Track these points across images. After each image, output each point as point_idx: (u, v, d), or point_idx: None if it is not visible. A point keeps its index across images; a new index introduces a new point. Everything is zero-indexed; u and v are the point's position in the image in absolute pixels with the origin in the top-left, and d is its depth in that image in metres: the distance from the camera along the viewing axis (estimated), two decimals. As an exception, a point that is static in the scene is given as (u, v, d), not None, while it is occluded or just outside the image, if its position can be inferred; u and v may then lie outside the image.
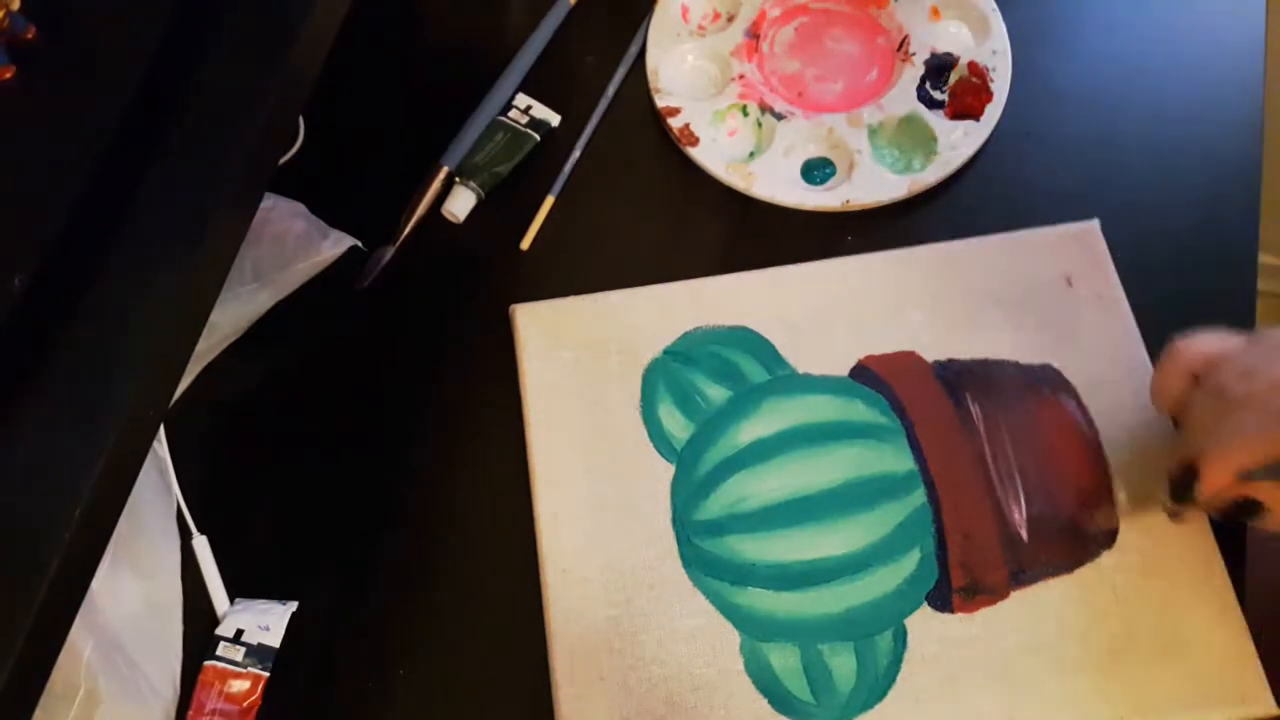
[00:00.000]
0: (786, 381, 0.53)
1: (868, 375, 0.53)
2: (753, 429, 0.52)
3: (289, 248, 0.57)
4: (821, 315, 0.55)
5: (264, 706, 0.49)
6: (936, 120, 0.60)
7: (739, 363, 0.54)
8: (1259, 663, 0.47)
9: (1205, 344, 0.46)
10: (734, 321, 0.55)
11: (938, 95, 0.61)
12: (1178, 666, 0.47)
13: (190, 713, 0.49)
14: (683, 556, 0.50)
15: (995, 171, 0.59)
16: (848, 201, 0.58)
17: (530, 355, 0.54)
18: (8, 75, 0.41)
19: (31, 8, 0.42)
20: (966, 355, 0.53)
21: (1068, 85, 0.62)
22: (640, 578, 0.50)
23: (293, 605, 0.51)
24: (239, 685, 0.49)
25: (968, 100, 0.60)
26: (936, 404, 0.52)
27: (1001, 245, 0.56)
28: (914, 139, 0.60)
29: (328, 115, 0.60)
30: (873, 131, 0.60)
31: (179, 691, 0.49)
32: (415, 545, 0.53)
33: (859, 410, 0.52)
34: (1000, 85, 0.61)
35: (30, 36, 0.42)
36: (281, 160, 0.59)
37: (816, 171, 0.60)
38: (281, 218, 0.57)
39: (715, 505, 0.51)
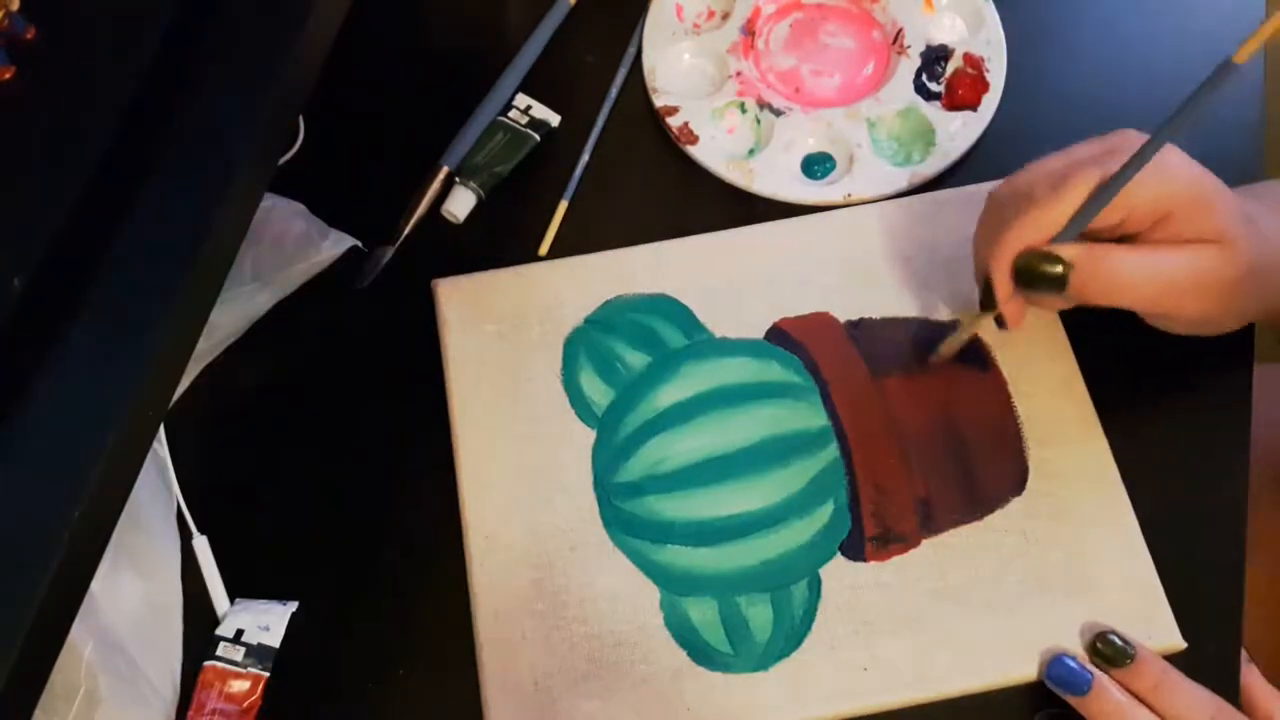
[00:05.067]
0: (704, 346, 0.55)
1: (782, 337, 0.55)
2: (671, 393, 0.54)
3: (289, 248, 0.57)
4: (737, 281, 0.56)
5: (264, 706, 0.49)
6: (934, 112, 0.60)
7: (658, 329, 0.55)
8: (1165, 599, 0.48)
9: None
10: (653, 290, 0.56)
11: (934, 87, 0.61)
12: (1087, 606, 0.48)
13: (190, 713, 0.49)
14: (604, 518, 0.51)
15: (994, 163, 0.59)
16: (849, 195, 0.58)
17: (452, 329, 0.55)
18: (8, 75, 0.41)
19: (31, 8, 0.42)
20: (878, 314, 0.55)
21: (1066, 82, 0.62)
22: (562, 540, 0.51)
23: (293, 605, 0.51)
24: (239, 685, 0.49)
25: (964, 91, 0.60)
26: (848, 362, 0.53)
27: (910, 207, 0.58)
28: (913, 131, 0.60)
29: (328, 115, 0.60)
30: (871, 125, 0.60)
31: (179, 691, 0.49)
32: (416, 545, 0.52)
33: (774, 371, 0.54)
34: (996, 76, 0.61)
35: (30, 36, 0.42)
36: (281, 160, 0.59)
37: (817, 166, 0.60)
38: (281, 218, 0.57)
39: (635, 467, 0.52)
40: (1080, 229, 0.46)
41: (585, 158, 0.61)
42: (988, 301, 0.49)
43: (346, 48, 0.49)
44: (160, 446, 0.53)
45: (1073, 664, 0.47)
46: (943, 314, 0.55)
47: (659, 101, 0.62)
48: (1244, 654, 0.49)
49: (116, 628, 0.47)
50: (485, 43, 0.65)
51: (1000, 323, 0.50)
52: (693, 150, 0.60)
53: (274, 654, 0.50)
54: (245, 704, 0.49)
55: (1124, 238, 0.48)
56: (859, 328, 0.55)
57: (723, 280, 0.56)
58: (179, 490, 0.53)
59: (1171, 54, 0.62)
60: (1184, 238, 0.46)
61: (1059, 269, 0.46)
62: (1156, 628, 0.48)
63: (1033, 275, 0.47)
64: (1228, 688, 0.47)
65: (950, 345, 0.52)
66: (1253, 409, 0.53)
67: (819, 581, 0.50)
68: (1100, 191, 0.45)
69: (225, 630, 0.50)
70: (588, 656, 0.49)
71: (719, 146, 0.60)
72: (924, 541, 0.50)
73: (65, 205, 0.39)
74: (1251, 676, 0.49)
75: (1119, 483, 0.51)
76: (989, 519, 0.50)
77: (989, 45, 0.62)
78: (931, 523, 0.50)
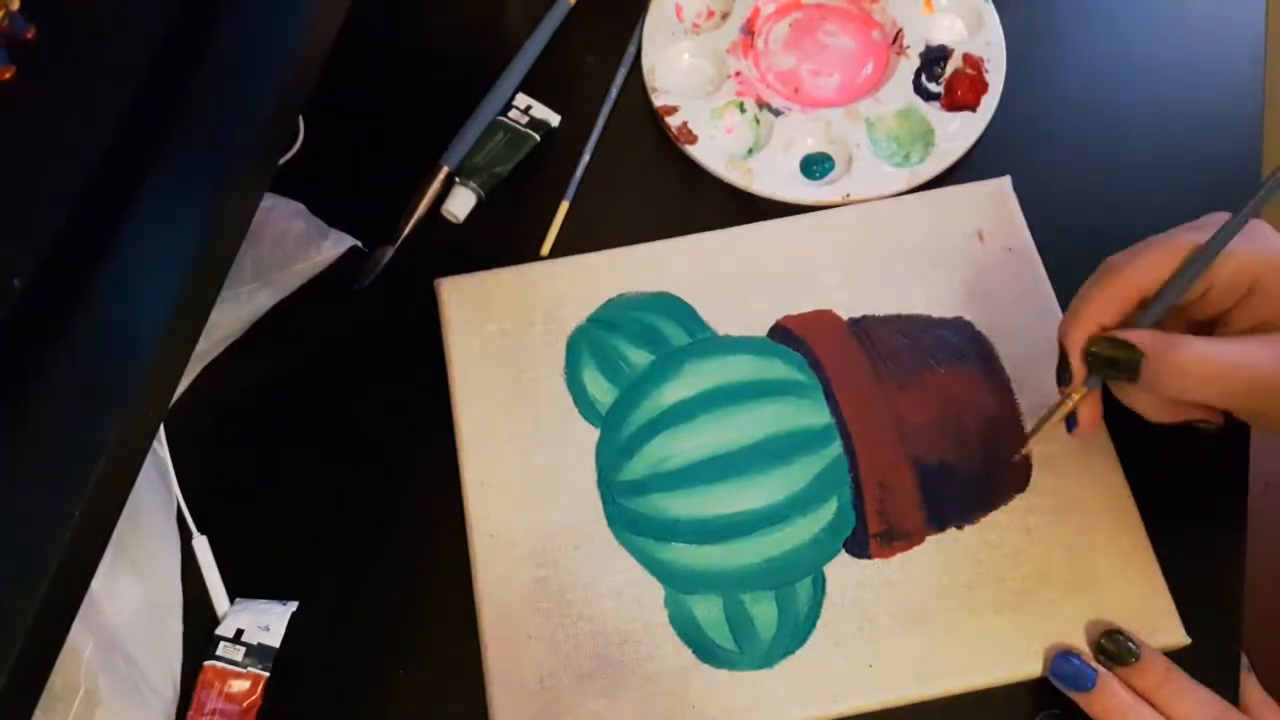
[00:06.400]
0: (707, 344, 0.55)
1: (785, 335, 0.55)
2: (675, 391, 0.54)
3: (289, 248, 0.57)
4: (740, 279, 0.56)
5: (264, 706, 0.49)
6: (933, 112, 0.60)
7: (661, 327, 0.55)
8: (1169, 595, 0.48)
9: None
10: (656, 288, 0.56)
11: (933, 88, 0.61)
12: (1091, 602, 0.48)
13: (190, 713, 0.49)
14: (608, 516, 0.51)
15: (993, 163, 0.59)
16: (848, 195, 0.58)
17: (455, 328, 0.55)
18: (8, 75, 0.41)
19: (31, 8, 0.42)
20: (881, 312, 0.55)
21: (1067, 83, 0.62)
22: (567, 539, 0.51)
23: (293, 605, 0.51)
24: (239, 685, 0.49)
25: (963, 92, 0.60)
26: (851, 359, 0.54)
27: (914, 204, 0.58)
28: (912, 132, 0.61)
29: (328, 115, 0.60)
30: (870, 125, 0.60)
31: (179, 691, 0.49)
32: (416, 545, 0.53)
33: (777, 368, 0.54)
34: (995, 76, 0.61)
35: (30, 36, 0.42)
36: (281, 160, 0.59)
37: (816, 166, 0.60)
38: (281, 218, 0.57)
39: (639, 465, 0.52)
40: (1160, 313, 0.44)
41: (586, 158, 0.61)
42: (1063, 377, 0.47)
43: (346, 48, 0.49)
44: (160, 446, 0.53)
45: (1077, 661, 0.46)
46: (945, 311, 0.55)
47: (658, 101, 0.62)
48: (1244, 660, 0.49)
49: (116, 628, 0.47)
50: (485, 43, 0.65)
51: (1070, 424, 0.47)
52: (692, 150, 0.60)
53: (274, 654, 0.50)
54: (245, 704, 0.49)
55: (1209, 322, 0.46)
56: (861, 324, 0.55)
57: (725, 278, 0.56)
58: (179, 490, 0.53)
59: (1171, 55, 0.62)
60: (1270, 318, 0.43)
61: (1131, 356, 0.43)
62: (1160, 624, 0.48)
63: (1103, 361, 0.44)
64: (1227, 688, 0.47)
65: (1034, 434, 0.49)
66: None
67: (823, 579, 0.50)
68: (1180, 272, 0.43)
69: (225, 630, 0.50)
70: (592, 655, 0.49)
71: (718, 146, 0.61)
72: (928, 538, 0.50)
73: (65, 205, 0.40)
74: (1250, 686, 0.49)
75: (1122, 478, 0.51)
76: (992, 515, 0.51)
77: (988, 46, 0.62)
78: (935, 519, 0.51)
